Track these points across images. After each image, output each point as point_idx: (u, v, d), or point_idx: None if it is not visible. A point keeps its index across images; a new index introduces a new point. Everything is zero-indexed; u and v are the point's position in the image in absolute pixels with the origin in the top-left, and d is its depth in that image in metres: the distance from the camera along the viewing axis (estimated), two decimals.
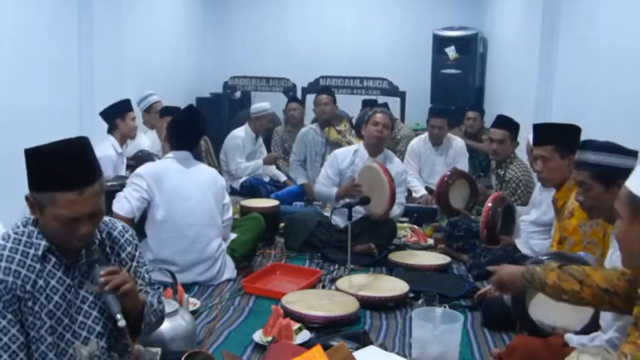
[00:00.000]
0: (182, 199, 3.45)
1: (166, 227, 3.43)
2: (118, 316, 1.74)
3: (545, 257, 2.56)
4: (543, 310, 2.37)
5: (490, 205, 3.79)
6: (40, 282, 1.74)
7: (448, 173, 4.58)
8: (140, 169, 3.50)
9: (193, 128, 3.66)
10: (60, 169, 1.67)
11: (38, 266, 1.74)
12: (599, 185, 2.28)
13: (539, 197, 3.66)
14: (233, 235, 3.85)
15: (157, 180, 3.43)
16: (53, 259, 1.77)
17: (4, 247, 1.72)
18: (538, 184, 3.59)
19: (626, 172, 1.93)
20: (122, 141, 4.57)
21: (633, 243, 1.63)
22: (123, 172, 4.43)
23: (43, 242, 1.75)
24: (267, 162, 5.98)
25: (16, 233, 1.76)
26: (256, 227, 4.02)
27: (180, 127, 3.62)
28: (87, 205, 1.69)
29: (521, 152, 4.41)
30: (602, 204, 2.26)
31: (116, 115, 4.51)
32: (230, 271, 3.67)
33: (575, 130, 2.99)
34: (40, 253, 1.74)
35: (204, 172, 3.65)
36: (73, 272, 1.81)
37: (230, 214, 3.76)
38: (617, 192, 1.90)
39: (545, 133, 3.08)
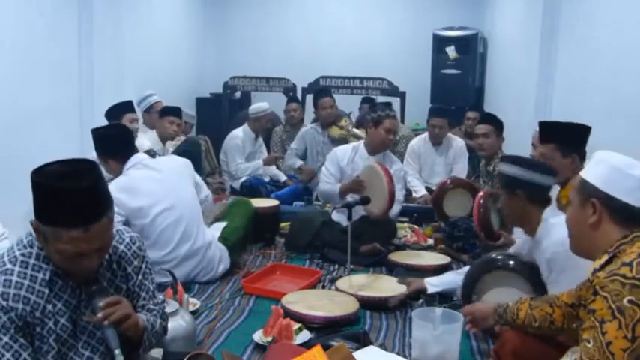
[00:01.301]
0: (161, 200, 3.39)
1: (154, 231, 3.38)
2: (117, 351, 1.70)
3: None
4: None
5: (481, 202, 3.74)
6: (49, 307, 1.71)
7: (450, 179, 4.60)
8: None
9: (122, 132, 3.51)
10: (65, 208, 1.59)
11: (47, 291, 1.71)
12: (505, 192, 2.57)
13: None
14: (223, 224, 3.82)
15: (129, 193, 3.31)
16: (60, 282, 1.74)
17: (12, 271, 1.67)
18: None
19: (526, 184, 2.45)
20: None
21: (580, 226, 1.74)
22: None
23: (50, 267, 1.72)
24: (267, 163, 5.98)
25: (23, 255, 1.71)
26: (246, 212, 3.99)
27: (115, 139, 3.41)
28: (93, 241, 1.64)
29: (509, 148, 4.42)
30: (509, 210, 2.59)
31: (115, 116, 4.50)
32: (225, 259, 3.66)
33: (580, 130, 3.01)
34: (47, 277, 1.71)
35: (169, 165, 3.57)
36: (80, 294, 1.78)
37: (205, 193, 3.77)
38: (516, 201, 2.50)
39: (549, 132, 3.09)
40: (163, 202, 3.39)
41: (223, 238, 3.72)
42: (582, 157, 3.04)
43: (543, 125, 3.16)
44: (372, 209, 4.07)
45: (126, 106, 4.62)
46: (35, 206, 1.64)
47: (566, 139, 3.00)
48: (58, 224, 1.61)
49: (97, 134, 3.42)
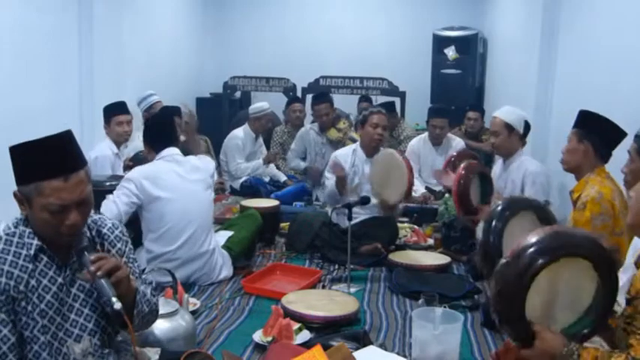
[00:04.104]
0: (178, 198, 3.43)
1: (163, 225, 3.42)
2: (114, 299, 1.70)
3: (499, 206, 2.55)
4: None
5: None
6: (32, 282, 1.74)
7: (463, 171, 3.85)
8: (131, 174, 3.47)
9: (168, 124, 3.71)
10: (43, 158, 1.69)
11: (30, 266, 1.74)
12: None
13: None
14: (229, 233, 3.83)
15: (151, 181, 3.39)
16: (45, 259, 1.78)
17: None
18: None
19: None
20: (116, 143, 4.55)
21: None
22: (120, 173, 4.41)
23: (35, 241, 1.76)
24: (266, 161, 5.98)
25: (7, 234, 1.76)
26: (253, 224, 4.00)
27: (158, 126, 3.65)
28: (74, 192, 1.70)
29: None
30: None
31: (105, 119, 4.51)
32: (228, 267, 3.67)
33: (598, 119, 3.05)
34: (32, 252, 1.75)
35: (195, 166, 3.62)
36: (65, 271, 1.81)
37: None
38: None
39: (578, 118, 3.15)
40: (179, 201, 3.43)
41: (227, 247, 3.74)
42: (605, 157, 3.06)
43: (580, 113, 3.18)
44: (388, 199, 4.00)
45: (116, 108, 4.54)
46: (16, 172, 1.73)
47: (584, 124, 3.06)
48: (38, 176, 1.68)
49: (151, 118, 3.87)
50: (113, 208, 3.30)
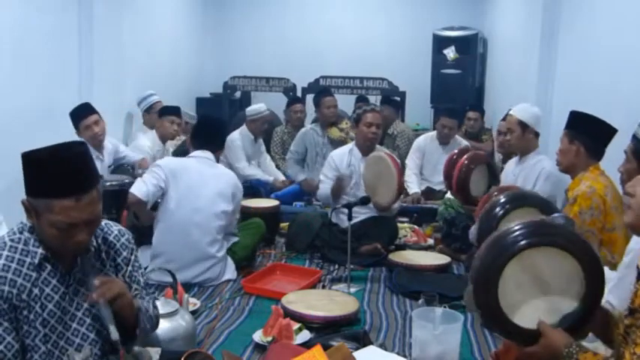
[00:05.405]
0: (193, 197, 3.52)
1: (173, 221, 3.50)
2: (111, 328, 1.72)
3: (502, 198, 2.57)
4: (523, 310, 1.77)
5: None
6: (36, 290, 1.73)
7: (467, 161, 3.98)
8: (160, 161, 3.71)
9: (218, 128, 3.87)
10: (56, 176, 1.65)
11: (34, 275, 1.73)
12: (635, 161, 2.36)
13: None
14: (234, 239, 3.85)
15: (174, 175, 3.55)
16: (49, 267, 1.76)
17: (0, 255, 1.71)
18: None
19: None
20: (93, 146, 4.26)
21: None
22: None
23: (40, 250, 1.74)
24: (275, 183, 5.91)
25: (12, 240, 1.74)
26: (257, 232, 4.03)
27: (205, 125, 3.85)
28: (84, 211, 1.68)
29: None
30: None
31: (74, 125, 4.30)
32: (231, 271, 3.68)
33: (587, 119, 3.07)
34: (36, 261, 1.73)
35: (222, 176, 3.69)
36: (68, 280, 1.80)
37: (236, 216, 3.83)
38: None
39: (569, 119, 3.17)
40: (190, 201, 3.51)
41: (232, 251, 3.75)
42: (597, 155, 3.07)
43: (570, 114, 3.21)
44: (380, 201, 4.03)
45: (80, 111, 4.31)
46: (27, 182, 1.69)
47: (575, 125, 3.08)
48: (50, 194, 1.65)
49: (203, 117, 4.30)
50: (142, 187, 3.47)
